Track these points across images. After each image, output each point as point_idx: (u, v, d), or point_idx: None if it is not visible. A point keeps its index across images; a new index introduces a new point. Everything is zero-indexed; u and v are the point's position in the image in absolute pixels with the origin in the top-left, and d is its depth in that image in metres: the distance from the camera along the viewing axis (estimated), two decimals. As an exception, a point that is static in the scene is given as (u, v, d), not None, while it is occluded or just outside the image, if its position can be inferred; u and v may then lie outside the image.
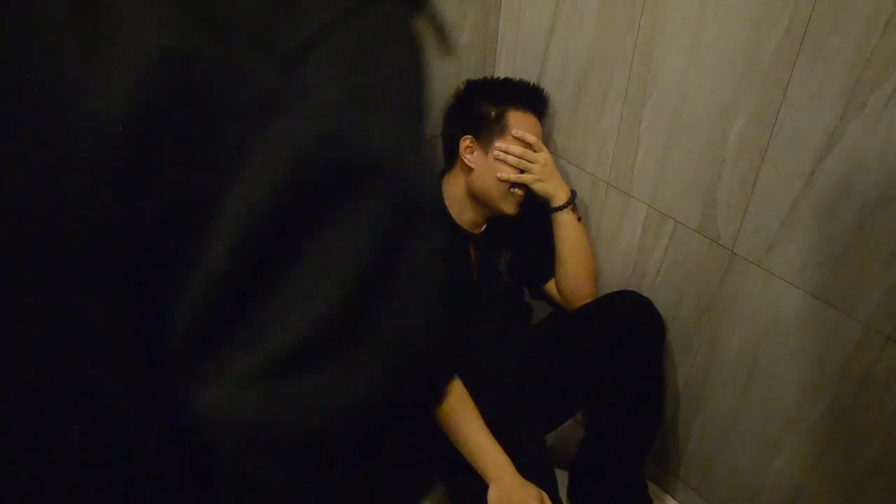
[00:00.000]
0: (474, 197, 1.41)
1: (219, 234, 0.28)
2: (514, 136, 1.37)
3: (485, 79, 1.49)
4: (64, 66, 0.28)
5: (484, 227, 1.47)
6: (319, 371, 0.29)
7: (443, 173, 1.48)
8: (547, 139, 1.49)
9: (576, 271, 1.45)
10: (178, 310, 0.29)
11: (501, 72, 1.58)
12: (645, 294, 1.40)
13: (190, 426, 0.31)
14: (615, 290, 1.46)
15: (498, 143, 1.37)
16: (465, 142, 1.38)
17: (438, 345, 0.32)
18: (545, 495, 1.21)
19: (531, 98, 1.44)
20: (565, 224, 1.43)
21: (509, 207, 1.40)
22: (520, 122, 1.38)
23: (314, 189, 0.28)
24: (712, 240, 1.26)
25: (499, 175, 1.36)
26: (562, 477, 1.41)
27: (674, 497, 1.54)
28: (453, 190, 1.43)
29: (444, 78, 1.49)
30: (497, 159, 1.36)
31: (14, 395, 0.34)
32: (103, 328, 0.32)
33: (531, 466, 1.26)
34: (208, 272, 0.28)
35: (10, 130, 0.29)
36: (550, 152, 1.42)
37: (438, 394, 0.32)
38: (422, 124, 0.32)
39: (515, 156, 1.36)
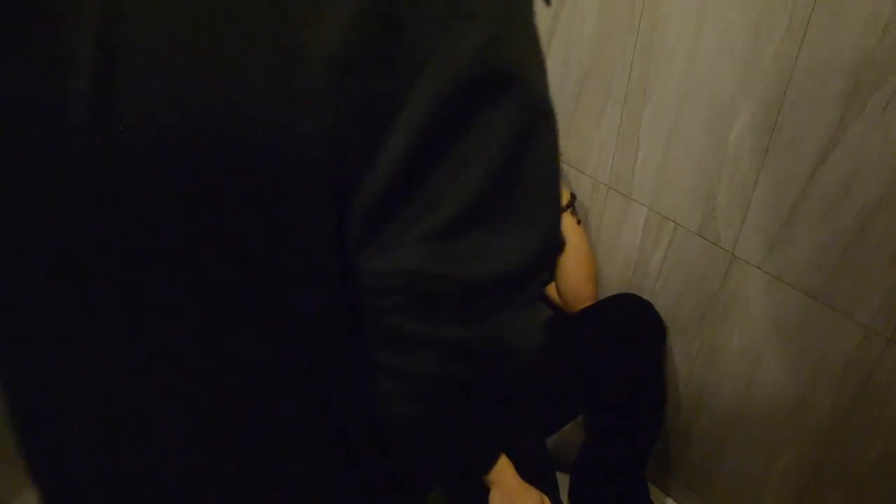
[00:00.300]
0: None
1: (401, 125, 0.35)
2: (513, 140, 1.37)
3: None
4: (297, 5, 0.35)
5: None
6: (481, 230, 0.38)
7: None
8: (547, 142, 1.49)
9: (576, 274, 1.45)
10: (362, 192, 0.36)
11: (501, 75, 1.58)
12: (645, 297, 1.40)
13: (372, 292, 0.39)
14: (616, 292, 1.46)
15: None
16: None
17: (560, 215, 0.42)
18: (546, 498, 1.21)
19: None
20: (565, 227, 1.43)
21: (509, 210, 1.40)
22: (519, 125, 1.38)
23: (474, 90, 0.36)
24: (713, 242, 1.26)
25: None
26: (563, 480, 1.41)
27: (675, 500, 1.54)
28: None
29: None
30: None
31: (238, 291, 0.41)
32: (305, 223, 0.39)
33: (532, 469, 1.25)
34: (393, 157, 0.36)
35: (252, 59, 0.35)
36: (550, 155, 1.42)
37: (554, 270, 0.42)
38: (541, 47, 0.40)
39: (515, 159, 1.37)
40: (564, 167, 1.52)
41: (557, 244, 0.42)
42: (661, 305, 1.39)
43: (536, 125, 0.39)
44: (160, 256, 0.41)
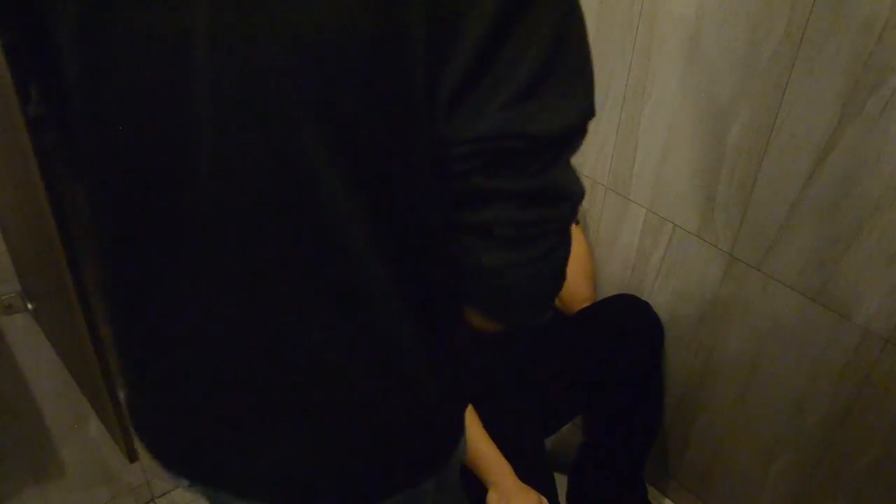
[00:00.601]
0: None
1: (475, 14, 0.44)
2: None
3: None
4: None
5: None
6: (543, 95, 0.47)
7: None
8: (545, 143, 1.49)
9: (574, 274, 1.45)
10: (448, 73, 0.45)
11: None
12: (644, 297, 1.40)
13: (459, 158, 0.48)
14: (614, 293, 1.46)
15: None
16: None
17: (593, 87, 0.51)
18: (544, 499, 1.21)
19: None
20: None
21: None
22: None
23: None
24: (711, 243, 1.26)
25: None
26: (561, 481, 1.41)
27: (673, 501, 1.54)
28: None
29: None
30: None
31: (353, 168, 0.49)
32: (407, 101, 0.47)
33: (530, 470, 1.25)
34: (471, 42, 0.44)
35: None
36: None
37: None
38: None
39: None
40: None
41: (594, 109, 0.51)
42: (660, 306, 1.39)
43: (572, 10, 0.48)
44: (268, 137, 0.48)
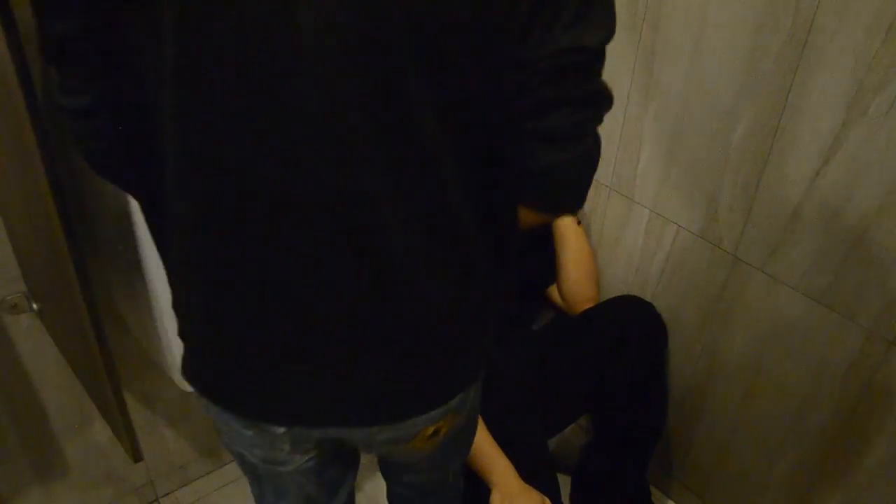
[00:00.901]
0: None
1: None
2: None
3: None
4: None
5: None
6: (590, 15, 0.58)
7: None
8: (549, 144, 1.49)
9: (577, 276, 1.45)
10: (519, 11, 0.55)
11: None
12: (647, 299, 1.40)
13: (529, 75, 0.59)
14: (617, 294, 1.46)
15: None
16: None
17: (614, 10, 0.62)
18: (547, 500, 1.21)
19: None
20: (566, 229, 1.43)
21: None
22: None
23: None
24: (715, 244, 1.26)
25: None
26: (564, 482, 1.41)
27: (676, 502, 1.54)
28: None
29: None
30: None
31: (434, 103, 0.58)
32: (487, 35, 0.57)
33: (534, 471, 1.25)
34: None
35: None
36: (552, 157, 1.42)
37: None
38: None
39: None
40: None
41: (615, 30, 0.61)
42: (663, 307, 1.39)
43: None
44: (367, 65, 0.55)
